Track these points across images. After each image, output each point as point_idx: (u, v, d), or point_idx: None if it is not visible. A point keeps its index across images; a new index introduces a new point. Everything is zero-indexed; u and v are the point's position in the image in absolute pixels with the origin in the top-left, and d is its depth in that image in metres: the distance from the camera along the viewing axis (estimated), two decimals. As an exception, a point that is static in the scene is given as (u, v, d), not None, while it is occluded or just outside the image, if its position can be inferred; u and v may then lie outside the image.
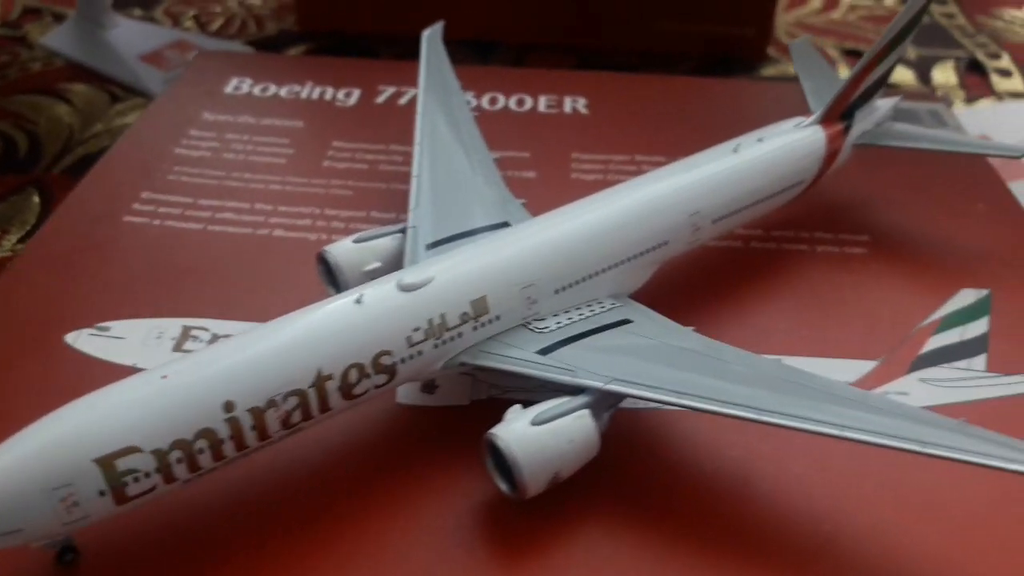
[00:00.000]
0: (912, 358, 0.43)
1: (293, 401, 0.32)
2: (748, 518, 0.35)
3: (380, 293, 0.35)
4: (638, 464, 0.37)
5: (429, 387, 0.40)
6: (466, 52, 0.81)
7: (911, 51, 0.92)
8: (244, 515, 0.35)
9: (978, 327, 0.44)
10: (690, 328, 0.38)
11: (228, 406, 0.31)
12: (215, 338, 0.42)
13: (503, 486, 0.34)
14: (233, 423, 0.31)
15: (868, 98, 0.50)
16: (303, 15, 0.85)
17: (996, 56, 0.91)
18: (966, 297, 0.46)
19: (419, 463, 0.37)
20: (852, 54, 0.87)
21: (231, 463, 0.32)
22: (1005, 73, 0.88)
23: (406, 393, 0.39)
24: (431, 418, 0.39)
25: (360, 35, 0.85)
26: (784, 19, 0.95)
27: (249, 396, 0.31)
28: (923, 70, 0.88)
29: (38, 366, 0.41)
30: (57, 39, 0.81)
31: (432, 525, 0.34)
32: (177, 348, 0.41)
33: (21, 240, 0.55)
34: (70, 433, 0.29)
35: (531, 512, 0.34)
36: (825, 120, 0.49)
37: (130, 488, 0.30)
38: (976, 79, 0.87)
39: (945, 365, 0.43)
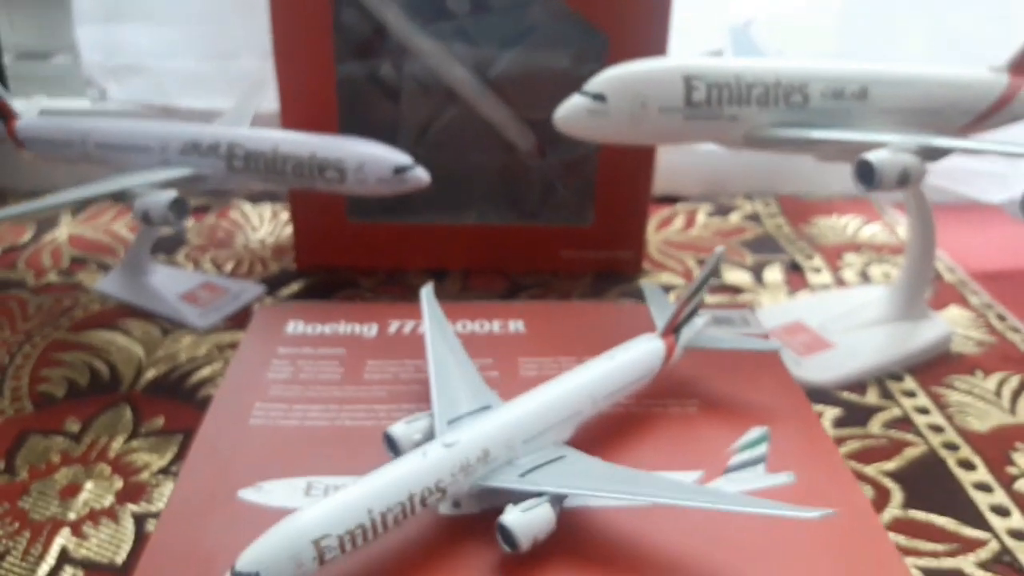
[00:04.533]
0: (723, 468, 0.64)
1: (398, 508, 0.53)
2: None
3: (435, 450, 0.55)
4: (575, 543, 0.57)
5: (456, 504, 0.60)
6: (425, 278, 0.90)
7: (748, 257, 1.07)
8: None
9: (761, 449, 0.66)
10: (597, 458, 0.60)
11: (369, 511, 0.51)
12: (334, 488, 0.61)
13: (506, 548, 0.54)
14: (371, 519, 0.51)
15: (689, 319, 0.71)
16: (301, 256, 1.02)
17: (811, 257, 1.08)
18: (754, 432, 0.67)
19: (446, 553, 0.56)
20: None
21: (370, 544, 0.51)
22: (817, 270, 1.05)
23: (443, 507, 0.59)
24: (459, 522, 0.59)
25: (346, 269, 1.01)
26: (656, 238, 1.13)
27: (383, 503, 0.51)
28: (757, 271, 1.04)
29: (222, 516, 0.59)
30: (108, 284, 0.96)
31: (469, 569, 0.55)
32: (306, 494, 0.61)
33: (127, 441, 0.71)
34: (298, 527, 0.49)
35: (522, 562, 0.54)
36: (664, 335, 0.70)
37: (327, 555, 0.49)
38: (797, 276, 1.04)
39: (743, 470, 0.64)
